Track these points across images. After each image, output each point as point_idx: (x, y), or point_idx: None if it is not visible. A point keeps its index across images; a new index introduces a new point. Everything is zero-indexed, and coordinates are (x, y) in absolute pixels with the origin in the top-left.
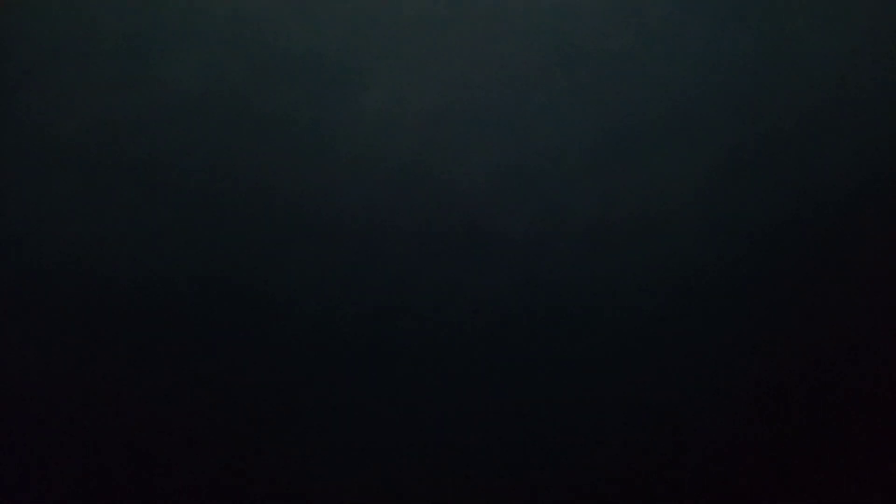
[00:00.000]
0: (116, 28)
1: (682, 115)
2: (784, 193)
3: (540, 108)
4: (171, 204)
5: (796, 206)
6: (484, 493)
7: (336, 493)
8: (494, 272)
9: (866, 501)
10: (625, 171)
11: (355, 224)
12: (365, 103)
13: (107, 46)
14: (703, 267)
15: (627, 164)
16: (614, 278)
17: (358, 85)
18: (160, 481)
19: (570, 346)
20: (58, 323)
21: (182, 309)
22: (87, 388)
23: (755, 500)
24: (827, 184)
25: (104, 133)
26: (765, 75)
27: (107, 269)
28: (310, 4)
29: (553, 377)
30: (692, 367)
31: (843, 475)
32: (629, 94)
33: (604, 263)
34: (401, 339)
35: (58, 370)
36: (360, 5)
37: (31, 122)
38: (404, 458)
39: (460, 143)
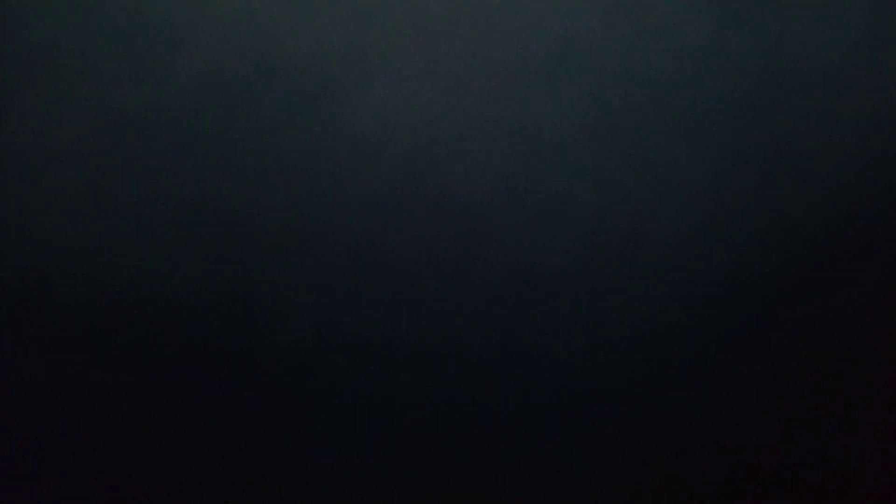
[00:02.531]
0: (117, 28)
1: (682, 115)
2: (787, 196)
3: (540, 113)
4: (169, 206)
5: (799, 208)
6: (482, 495)
7: (333, 500)
8: (495, 278)
9: (866, 502)
10: (627, 174)
11: (354, 230)
12: (363, 109)
13: (107, 46)
14: (705, 271)
15: (629, 167)
16: (616, 284)
17: (357, 91)
18: (152, 487)
19: (572, 354)
20: (57, 323)
21: (179, 312)
22: (85, 390)
23: (755, 500)
24: (829, 186)
25: (104, 133)
26: (766, 75)
27: (105, 270)
28: (309, 7)
29: (554, 384)
30: (693, 368)
31: (843, 477)
32: (631, 96)
33: (604, 275)
34: (396, 354)
35: (57, 370)
36: (360, 6)
37: (31, 122)
38: (405, 460)
39: (460, 149)
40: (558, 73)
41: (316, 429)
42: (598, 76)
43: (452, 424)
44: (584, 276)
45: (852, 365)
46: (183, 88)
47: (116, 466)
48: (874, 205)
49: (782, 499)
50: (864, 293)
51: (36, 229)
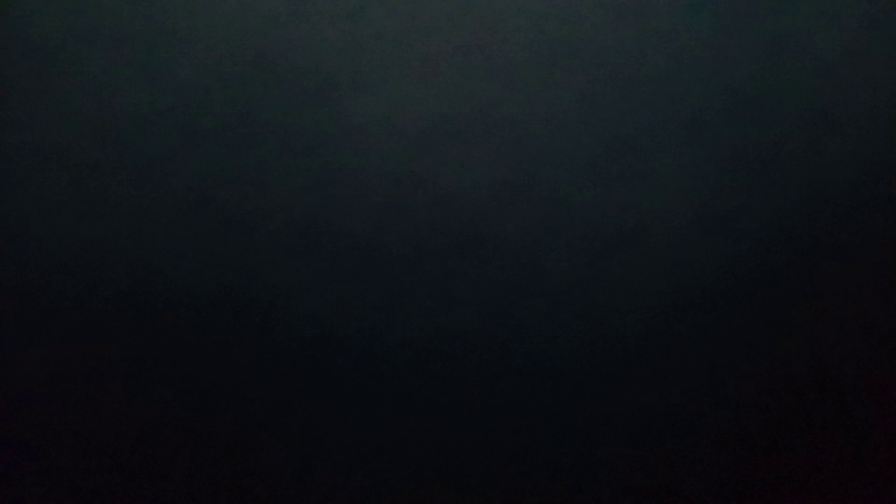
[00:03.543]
0: (116, 29)
1: (683, 118)
2: (786, 196)
3: (540, 112)
4: (167, 207)
5: (798, 207)
6: (482, 495)
7: (334, 499)
8: (495, 278)
9: (866, 502)
10: (625, 177)
11: (353, 230)
12: (362, 109)
13: (106, 47)
14: (704, 270)
15: (627, 170)
16: (615, 286)
17: (355, 91)
18: (155, 486)
19: (571, 355)
20: (57, 323)
21: (179, 310)
22: (85, 390)
23: (755, 500)
24: (828, 185)
25: (103, 134)
26: (767, 77)
27: (105, 269)
28: (307, 10)
29: (553, 386)
30: (693, 371)
31: (842, 476)
32: (629, 99)
33: (604, 271)
34: (398, 347)
35: (56, 371)
36: (357, 10)
37: (30, 123)
38: (404, 462)
39: (459, 148)
40: (558, 77)
41: (317, 423)
42: (598, 75)
43: (452, 419)
44: (584, 273)
45: (851, 363)
46: (182, 87)
47: (120, 463)
48: (873, 204)
49: (783, 498)
50: (863, 292)
51: (36, 229)
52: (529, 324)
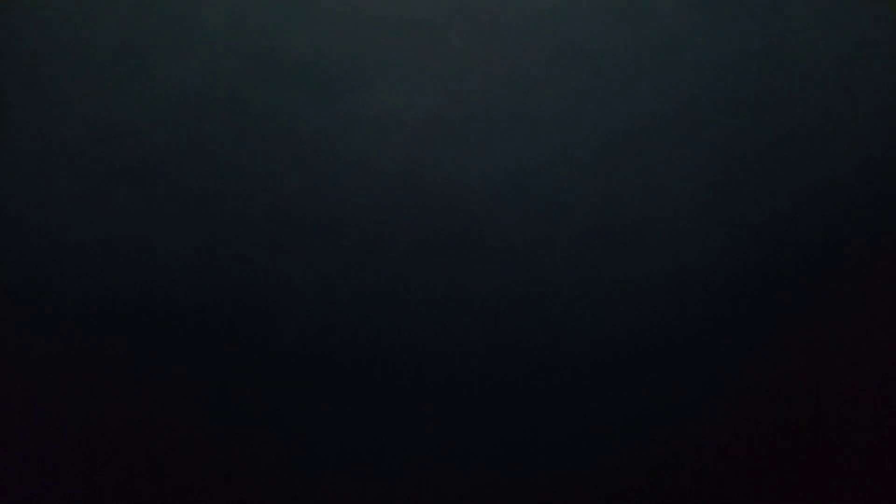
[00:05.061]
0: (116, 28)
1: (682, 117)
2: (785, 195)
3: (539, 110)
4: (171, 206)
5: (797, 208)
6: (483, 495)
7: (335, 495)
8: (495, 276)
9: (866, 501)
10: (625, 173)
11: (354, 227)
12: (363, 106)
13: (106, 47)
14: (704, 270)
15: (628, 166)
16: (615, 282)
17: (357, 88)
18: (159, 483)
19: (571, 350)
20: (57, 324)
21: (181, 310)
22: (86, 390)
23: (755, 499)
24: (828, 186)
25: (104, 134)
26: (766, 76)
27: (106, 270)
28: (308, 8)
29: (553, 381)
30: (693, 370)
31: (843, 475)
32: (629, 96)
33: (604, 266)
34: (400, 342)
35: (57, 371)
36: (359, 8)
37: (30, 123)
38: (403, 461)
39: (460, 146)
40: (558, 76)
41: (314, 423)
42: (599, 78)
43: (450, 425)
44: (585, 267)
45: (852, 365)
46: (182, 90)
47: (124, 459)
48: (874, 205)
49: (782, 497)
50: (863, 291)
51: (36, 229)
52: (530, 318)
